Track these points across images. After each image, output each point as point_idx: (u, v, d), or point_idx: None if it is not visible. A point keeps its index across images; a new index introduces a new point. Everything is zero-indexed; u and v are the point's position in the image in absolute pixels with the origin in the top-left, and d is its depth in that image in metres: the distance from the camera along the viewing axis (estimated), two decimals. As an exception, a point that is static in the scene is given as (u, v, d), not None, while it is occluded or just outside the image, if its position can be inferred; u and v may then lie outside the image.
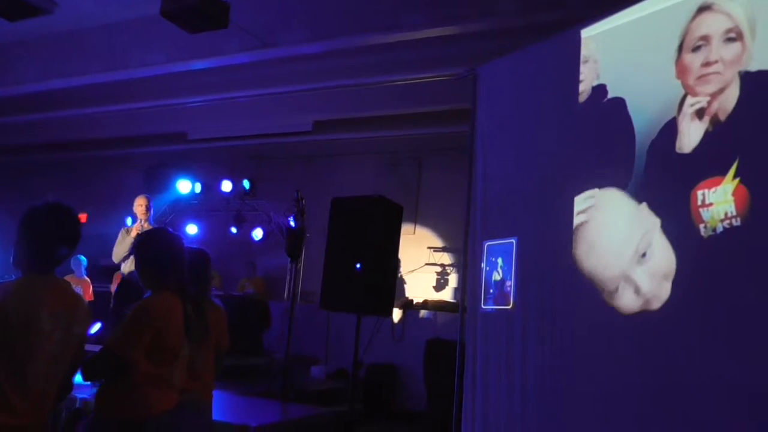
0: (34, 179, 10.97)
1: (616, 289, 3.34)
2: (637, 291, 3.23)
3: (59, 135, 10.11)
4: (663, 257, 3.12)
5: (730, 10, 3.04)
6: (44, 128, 9.80)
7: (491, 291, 4.21)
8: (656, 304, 3.14)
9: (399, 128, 8.44)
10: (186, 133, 9.60)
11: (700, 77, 3.10)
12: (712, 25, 3.11)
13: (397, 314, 8.00)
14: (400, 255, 6.22)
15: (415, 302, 8.46)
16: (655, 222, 3.17)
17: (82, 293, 7.46)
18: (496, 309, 4.16)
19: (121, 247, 5.79)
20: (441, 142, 8.49)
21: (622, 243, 3.36)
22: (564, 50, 3.97)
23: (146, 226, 5.75)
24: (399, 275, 8.74)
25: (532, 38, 4.32)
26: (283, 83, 7.52)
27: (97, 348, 2.43)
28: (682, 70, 3.21)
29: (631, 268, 3.27)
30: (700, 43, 3.13)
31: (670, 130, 3.24)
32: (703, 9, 3.18)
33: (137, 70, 7.20)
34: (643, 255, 3.21)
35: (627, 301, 3.30)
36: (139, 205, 5.94)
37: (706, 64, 3.07)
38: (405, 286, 8.72)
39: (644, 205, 3.26)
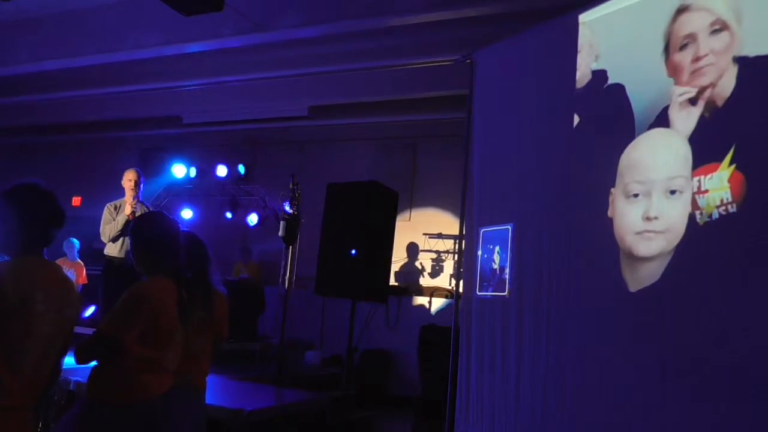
0: (26, 162, 10.90)
1: (644, 193, 3.24)
2: (647, 216, 3.18)
3: (52, 117, 10.02)
4: (676, 219, 3.06)
5: (710, 6, 3.02)
6: (37, 110, 9.73)
7: (487, 277, 4.21)
8: (651, 250, 3.11)
9: (395, 114, 8.40)
10: (181, 116, 9.54)
11: (694, 72, 3.08)
12: (695, 22, 3.09)
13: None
14: (395, 241, 6.24)
15: (409, 288, 8.48)
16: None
17: (75, 276, 7.43)
18: (491, 295, 4.16)
19: (110, 225, 5.39)
20: (437, 128, 8.46)
21: (670, 165, 3.18)
22: (562, 35, 3.94)
23: (133, 204, 5.41)
24: (421, 261, 8.75)
25: (529, 23, 4.29)
26: (279, 68, 7.46)
27: (90, 331, 2.42)
28: (673, 69, 3.20)
29: (662, 189, 3.16)
30: (686, 41, 3.12)
31: (666, 116, 3.22)
32: (681, 10, 3.16)
33: (131, 52, 7.13)
34: (672, 192, 3.11)
35: (635, 217, 3.24)
36: (128, 179, 5.49)
37: (697, 59, 3.06)
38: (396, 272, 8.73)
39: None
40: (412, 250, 8.74)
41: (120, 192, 5.74)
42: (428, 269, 8.76)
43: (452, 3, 5.59)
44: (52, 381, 2.14)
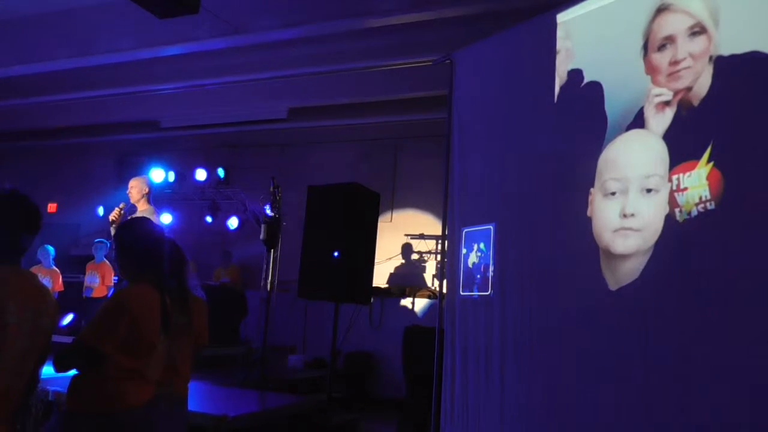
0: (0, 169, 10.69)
1: (621, 191, 3.27)
2: (624, 213, 3.21)
3: (27, 122, 9.86)
4: (652, 217, 3.09)
5: (689, 8, 3.06)
6: (11, 115, 9.55)
7: (471, 277, 4.21)
8: (628, 248, 3.16)
9: (375, 115, 8.40)
10: (158, 120, 9.44)
11: (671, 74, 3.12)
12: (674, 24, 3.12)
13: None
14: (377, 243, 6.21)
15: (392, 290, 8.48)
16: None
17: (51, 284, 7.30)
18: (474, 295, 4.16)
19: None
20: (417, 129, 8.47)
21: (646, 164, 3.21)
22: (540, 34, 3.96)
23: (116, 213, 5.40)
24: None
25: (508, 23, 4.30)
26: (257, 70, 7.42)
27: (68, 339, 2.37)
28: (650, 69, 3.23)
29: (639, 188, 3.18)
30: (665, 42, 3.15)
31: (643, 115, 3.25)
32: (661, 10, 3.19)
33: (106, 55, 7.04)
34: (648, 190, 3.14)
35: (612, 214, 3.27)
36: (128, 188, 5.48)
37: (675, 62, 3.09)
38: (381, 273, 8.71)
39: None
40: (394, 251, 8.74)
41: (97, 199, 5.68)
42: (410, 270, 8.76)
43: (431, 3, 5.60)
44: (29, 392, 2.09)
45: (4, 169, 10.52)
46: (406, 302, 8.30)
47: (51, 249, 7.70)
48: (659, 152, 3.12)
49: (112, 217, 5.31)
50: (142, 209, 5.36)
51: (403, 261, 8.73)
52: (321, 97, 8.25)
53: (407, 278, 8.67)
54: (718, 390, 2.71)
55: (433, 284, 8.29)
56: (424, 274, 8.65)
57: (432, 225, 8.47)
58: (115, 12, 6.61)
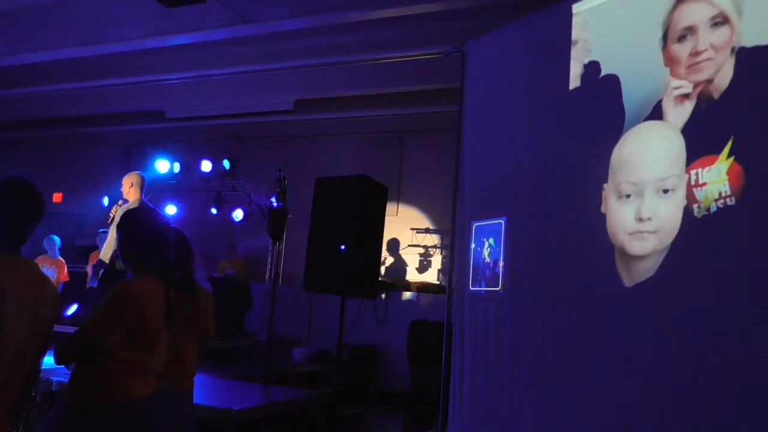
0: (4, 158, 10.67)
1: (636, 194, 3.20)
2: (639, 217, 3.14)
3: (32, 112, 9.82)
4: (669, 217, 3.02)
5: None
6: (16, 105, 9.51)
7: (480, 272, 4.15)
8: (645, 250, 3.10)
9: (382, 107, 8.33)
10: (164, 111, 9.39)
11: (691, 66, 3.03)
12: (696, 14, 3.04)
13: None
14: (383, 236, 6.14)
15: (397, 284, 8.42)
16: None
17: (56, 274, 7.30)
18: (484, 290, 4.10)
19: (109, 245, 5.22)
20: (424, 121, 8.40)
21: (662, 164, 3.13)
22: (555, 25, 3.88)
23: (132, 199, 5.35)
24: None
25: (521, 13, 4.22)
26: (264, 61, 7.36)
27: (72, 329, 2.32)
28: (670, 60, 3.15)
29: (654, 189, 3.11)
30: (686, 33, 3.07)
31: (661, 108, 3.18)
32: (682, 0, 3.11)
33: (113, 45, 6.98)
34: (665, 191, 3.07)
35: (627, 217, 3.20)
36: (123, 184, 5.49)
37: (695, 53, 3.01)
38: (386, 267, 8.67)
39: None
40: (400, 245, 8.68)
41: (102, 189, 5.68)
42: (416, 264, 8.70)
43: (441, -7, 5.52)
44: (31, 383, 2.04)
45: (9, 159, 10.51)
46: (411, 296, 8.25)
47: (57, 239, 7.70)
48: (676, 148, 3.04)
49: (111, 214, 5.34)
50: (132, 200, 5.37)
51: (403, 255, 8.67)
52: (328, 89, 8.18)
53: (410, 272, 8.62)
54: (735, 388, 2.65)
55: (439, 279, 8.23)
56: (430, 269, 8.59)
57: (439, 219, 8.40)
58: (122, 1, 6.56)
